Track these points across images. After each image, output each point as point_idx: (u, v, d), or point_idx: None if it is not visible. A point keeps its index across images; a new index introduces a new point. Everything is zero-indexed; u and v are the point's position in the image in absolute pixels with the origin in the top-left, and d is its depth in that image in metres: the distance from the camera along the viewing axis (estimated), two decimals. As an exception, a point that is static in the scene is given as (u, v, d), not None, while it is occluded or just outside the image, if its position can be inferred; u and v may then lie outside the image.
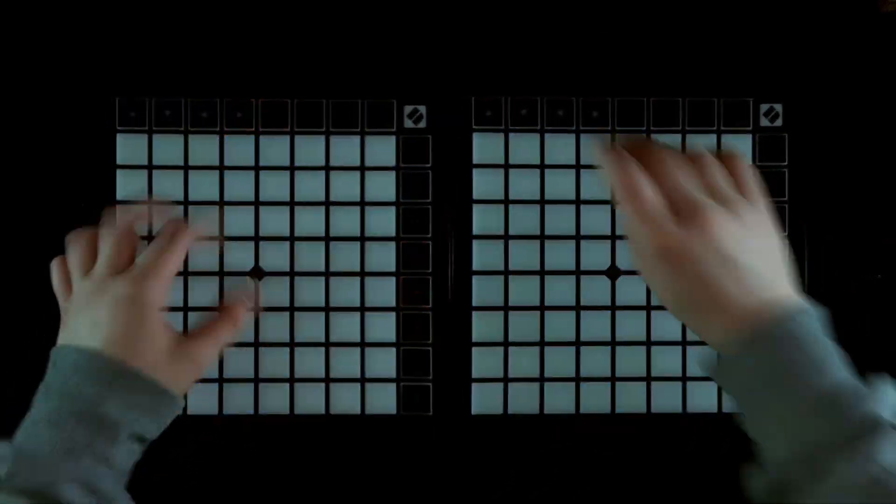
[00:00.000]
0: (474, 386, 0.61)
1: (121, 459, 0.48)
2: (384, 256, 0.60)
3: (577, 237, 0.61)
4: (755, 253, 0.47)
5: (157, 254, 0.53)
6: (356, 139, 0.61)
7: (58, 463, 0.46)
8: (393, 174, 0.61)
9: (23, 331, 0.57)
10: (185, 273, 0.59)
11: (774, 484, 0.45)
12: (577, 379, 0.61)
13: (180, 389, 0.51)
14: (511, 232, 0.61)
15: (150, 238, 0.56)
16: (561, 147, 0.61)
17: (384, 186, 0.61)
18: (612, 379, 0.61)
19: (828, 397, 0.43)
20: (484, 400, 0.61)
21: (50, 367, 0.50)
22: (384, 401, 0.60)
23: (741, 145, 0.61)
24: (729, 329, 0.46)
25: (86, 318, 0.50)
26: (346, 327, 0.60)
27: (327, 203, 0.60)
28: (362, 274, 0.60)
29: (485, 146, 0.61)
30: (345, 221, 0.60)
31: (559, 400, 0.61)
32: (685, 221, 0.46)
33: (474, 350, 0.60)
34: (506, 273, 0.61)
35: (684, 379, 0.61)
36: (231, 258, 0.60)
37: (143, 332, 0.50)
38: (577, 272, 0.61)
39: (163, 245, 0.53)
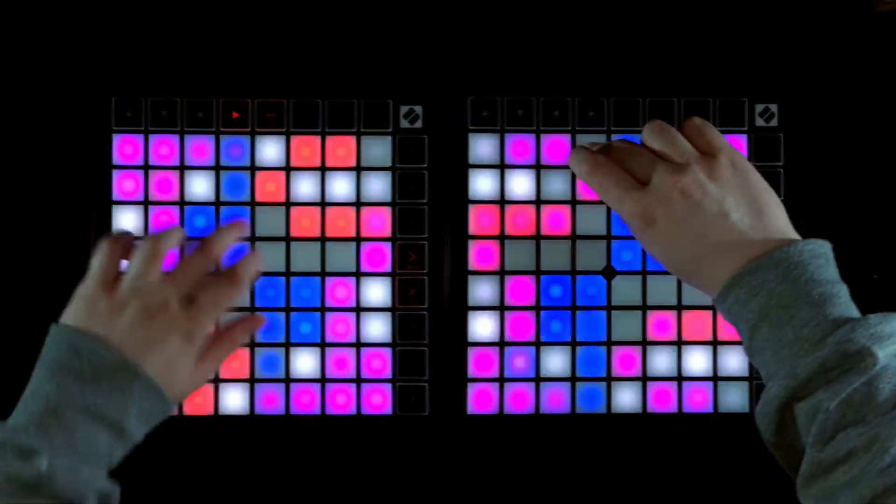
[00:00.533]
0: (470, 386, 0.61)
1: (118, 463, 0.49)
2: (380, 257, 0.60)
3: (573, 237, 0.61)
4: (720, 198, 0.48)
5: (222, 296, 0.52)
6: (352, 139, 0.61)
7: (89, 471, 0.46)
8: (389, 174, 0.61)
9: (23, 330, 0.57)
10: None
11: (776, 420, 0.45)
12: (573, 379, 0.61)
13: (175, 403, 0.52)
14: (507, 232, 0.61)
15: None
16: (557, 147, 0.61)
17: (380, 187, 0.61)
18: (608, 379, 0.61)
19: (819, 328, 0.44)
20: (479, 400, 0.61)
21: (69, 350, 0.48)
22: (380, 401, 0.60)
23: (737, 145, 0.61)
24: (717, 270, 0.47)
25: (135, 327, 0.49)
26: (341, 328, 0.60)
27: (323, 203, 0.60)
28: (358, 274, 0.60)
29: (481, 146, 0.61)
30: (341, 221, 0.60)
31: (555, 400, 0.61)
32: (647, 187, 0.49)
33: (470, 350, 0.61)
34: (501, 273, 0.61)
35: (679, 379, 0.61)
36: (226, 258, 0.60)
37: (182, 364, 0.50)
38: (573, 272, 0.61)
39: (229, 289, 0.52)
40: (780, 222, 0.49)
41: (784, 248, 0.46)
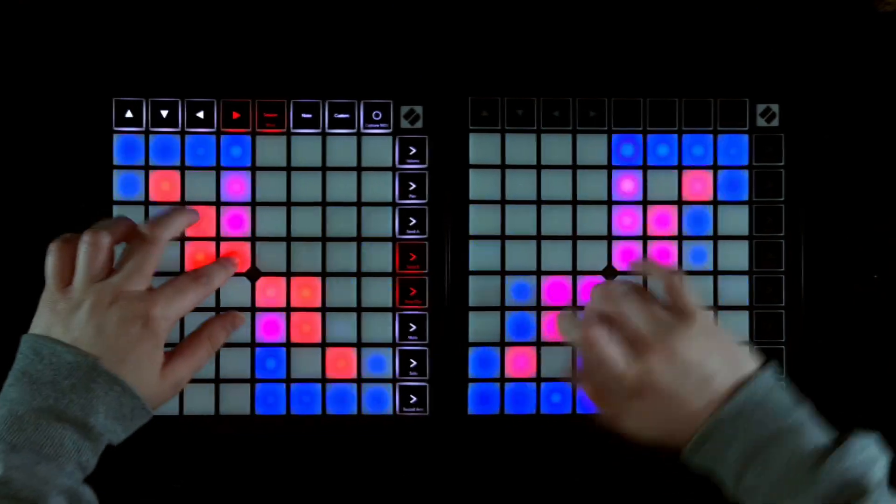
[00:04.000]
0: (471, 386, 0.61)
1: (93, 466, 0.49)
2: (381, 257, 0.60)
3: (574, 237, 0.61)
4: (702, 357, 0.49)
5: (184, 286, 0.53)
6: (353, 139, 0.61)
7: (48, 469, 0.46)
8: (389, 174, 0.61)
9: (22, 330, 0.57)
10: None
11: None
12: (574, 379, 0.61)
13: (153, 406, 0.52)
14: (508, 232, 0.61)
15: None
16: (557, 147, 0.61)
17: (381, 187, 0.61)
18: (609, 379, 0.61)
19: (807, 460, 0.46)
20: (480, 400, 0.61)
21: (32, 355, 0.49)
22: (381, 401, 0.60)
23: (737, 145, 0.61)
24: (704, 421, 0.49)
25: (90, 322, 0.50)
26: (342, 327, 0.60)
27: (324, 203, 0.60)
28: (359, 274, 0.60)
29: (481, 146, 0.61)
30: (341, 222, 0.60)
31: (556, 400, 0.61)
32: (640, 356, 0.50)
33: (471, 350, 0.61)
34: (502, 273, 0.61)
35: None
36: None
37: (145, 353, 0.51)
38: (574, 272, 0.61)
39: (192, 282, 0.54)
40: (746, 364, 0.50)
41: (738, 395, 0.48)
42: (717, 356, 0.50)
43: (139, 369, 0.50)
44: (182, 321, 0.58)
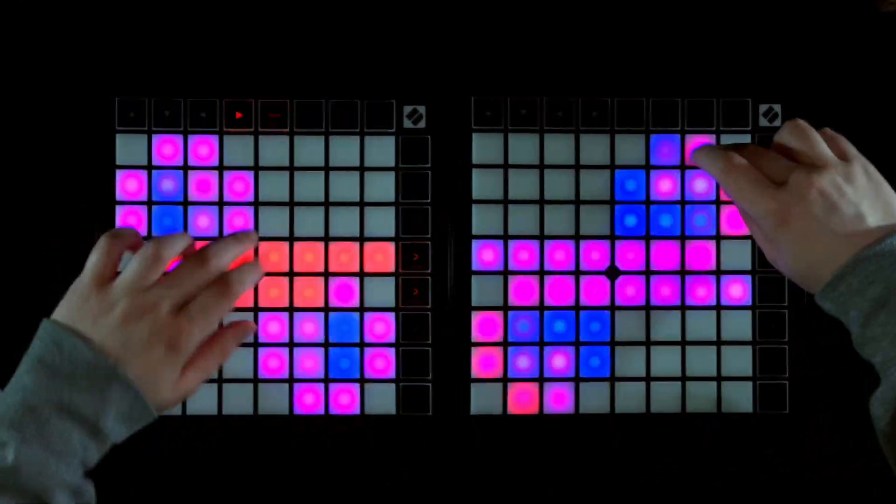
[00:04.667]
0: (473, 386, 0.61)
1: (94, 463, 0.49)
2: (383, 257, 0.60)
3: (577, 237, 0.61)
4: (856, 201, 0.50)
5: (213, 307, 0.52)
6: (356, 139, 0.61)
7: (55, 464, 0.46)
8: (392, 174, 0.61)
9: (24, 330, 0.57)
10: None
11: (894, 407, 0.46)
12: (577, 379, 0.61)
13: (160, 411, 0.51)
14: (510, 232, 0.61)
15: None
16: (560, 147, 0.61)
17: (383, 187, 0.61)
18: (612, 379, 0.61)
19: None
20: (483, 400, 0.61)
21: (52, 345, 0.48)
22: (383, 401, 0.60)
23: (740, 145, 0.61)
24: (846, 258, 0.49)
25: (119, 329, 0.49)
26: (345, 327, 0.60)
27: (327, 203, 0.60)
28: (361, 274, 0.60)
29: (484, 146, 0.61)
30: (344, 222, 0.60)
31: (558, 400, 0.61)
32: (783, 186, 0.51)
33: (473, 350, 0.61)
34: (505, 273, 0.61)
35: (684, 379, 0.61)
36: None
37: (165, 373, 0.50)
38: (577, 272, 0.61)
39: (220, 299, 0.52)
40: (871, 219, 0.50)
41: (887, 239, 0.48)
42: (872, 198, 0.50)
43: (156, 385, 0.50)
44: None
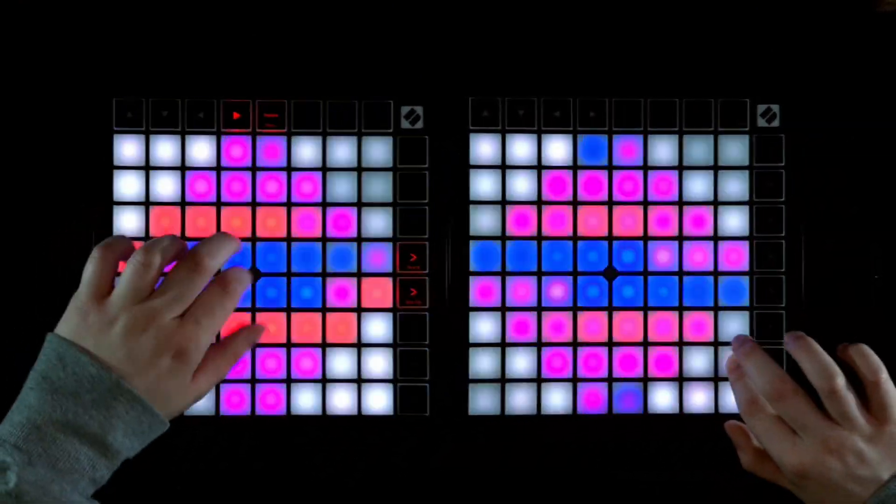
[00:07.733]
0: (471, 387, 0.61)
1: (105, 481, 0.48)
2: (381, 257, 0.60)
3: (575, 238, 0.61)
4: (876, 464, 0.51)
5: (216, 307, 0.52)
6: (353, 140, 0.61)
7: (60, 486, 0.45)
8: (390, 175, 0.61)
9: (22, 331, 0.57)
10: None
11: None
12: (575, 379, 0.61)
13: (170, 417, 0.51)
14: (508, 233, 0.61)
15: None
16: (558, 147, 0.61)
17: (381, 187, 0.61)
18: (609, 380, 0.61)
19: None
20: (481, 401, 0.61)
21: (55, 360, 0.48)
22: (381, 401, 0.60)
23: (738, 146, 0.61)
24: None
25: (123, 345, 0.49)
26: (342, 328, 0.60)
27: (324, 204, 0.60)
28: (359, 275, 0.60)
29: (482, 147, 0.61)
30: (342, 222, 0.60)
31: (556, 400, 0.61)
32: (801, 440, 0.53)
33: (471, 351, 0.60)
34: (503, 274, 0.61)
35: (680, 380, 0.61)
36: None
37: (174, 383, 0.50)
38: (575, 273, 0.61)
39: (221, 298, 0.52)
40: (885, 472, 0.51)
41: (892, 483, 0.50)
42: (890, 459, 0.51)
43: (167, 395, 0.50)
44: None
